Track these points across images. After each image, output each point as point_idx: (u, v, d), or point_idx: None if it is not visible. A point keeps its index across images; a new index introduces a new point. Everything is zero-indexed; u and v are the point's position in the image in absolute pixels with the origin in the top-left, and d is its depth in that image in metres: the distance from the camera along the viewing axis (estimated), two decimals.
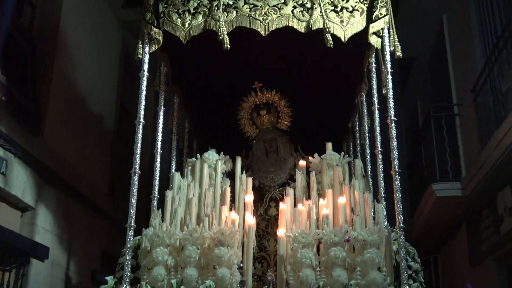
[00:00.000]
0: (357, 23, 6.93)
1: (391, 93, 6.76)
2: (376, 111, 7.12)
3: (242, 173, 7.52)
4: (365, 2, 6.99)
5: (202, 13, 7.03)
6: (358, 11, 6.96)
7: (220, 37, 6.78)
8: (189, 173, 7.67)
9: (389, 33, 6.89)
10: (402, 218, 6.24)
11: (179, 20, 7.05)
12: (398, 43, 6.87)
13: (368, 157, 8.10)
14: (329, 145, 7.58)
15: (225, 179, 7.72)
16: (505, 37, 8.57)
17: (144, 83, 6.98)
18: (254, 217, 7.00)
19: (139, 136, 6.79)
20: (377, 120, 7.07)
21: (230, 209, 6.98)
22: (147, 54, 7.09)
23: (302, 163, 7.93)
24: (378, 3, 6.90)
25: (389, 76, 6.84)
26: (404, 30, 8.21)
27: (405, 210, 6.44)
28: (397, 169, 6.42)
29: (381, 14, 6.87)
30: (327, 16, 6.86)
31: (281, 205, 6.99)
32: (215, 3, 6.96)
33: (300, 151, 8.75)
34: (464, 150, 10.73)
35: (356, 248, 6.16)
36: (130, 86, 12.15)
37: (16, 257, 8.27)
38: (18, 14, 9.11)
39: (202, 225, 6.45)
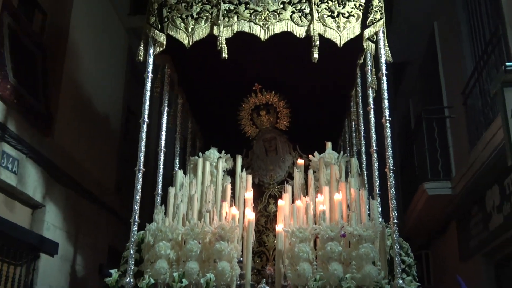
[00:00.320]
0: (353, 28, 6.84)
1: (385, 94, 6.66)
2: (372, 112, 6.99)
3: (242, 171, 7.52)
4: (361, 8, 6.90)
5: (205, 18, 6.95)
6: (354, 16, 6.87)
7: (219, 47, 6.70)
8: (191, 170, 7.62)
9: (383, 37, 6.82)
10: (396, 214, 6.14)
11: (182, 24, 6.97)
12: (388, 48, 6.80)
13: (364, 156, 7.98)
14: (329, 145, 7.60)
15: (226, 177, 7.67)
16: (493, 43, 8.53)
17: (149, 84, 6.90)
18: (254, 213, 6.98)
19: (143, 135, 6.70)
20: (372, 120, 6.94)
21: (231, 205, 6.93)
22: (151, 56, 7.00)
23: (300, 161, 7.88)
24: (372, 9, 6.81)
25: (384, 78, 6.73)
26: (397, 36, 8.16)
27: (398, 208, 6.31)
28: (391, 167, 6.32)
29: (375, 18, 6.78)
30: (324, 22, 6.80)
31: (280, 202, 6.96)
32: (217, 8, 6.89)
33: (298, 150, 8.68)
34: (454, 150, 10.70)
35: (352, 243, 6.09)
36: (136, 89, 12.01)
37: (27, 252, 8.22)
38: (30, 21, 9.07)
39: (203, 220, 6.42)
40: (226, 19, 6.86)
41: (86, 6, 10.34)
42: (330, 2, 6.89)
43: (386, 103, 6.60)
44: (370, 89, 7.25)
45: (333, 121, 9.26)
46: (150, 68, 6.95)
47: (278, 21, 6.84)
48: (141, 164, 6.55)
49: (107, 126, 11.35)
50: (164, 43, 6.94)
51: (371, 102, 7.10)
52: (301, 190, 7.30)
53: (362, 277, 5.78)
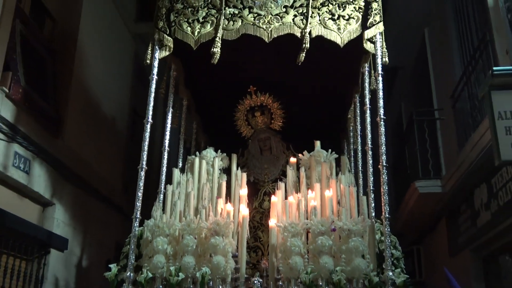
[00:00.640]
0: (353, 30, 6.80)
1: (381, 94, 6.64)
2: (368, 111, 6.96)
3: (237, 169, 7.48)
4: (360, 11, 6.87)
5: (210, 22, 6.92)
6: (354, 18, 6.84)
7: (212, 49, 6.65)
8: (189, 169, 7.56)
9: (381, 39, 6.76)
10: (388, 209, 6.10)
11: (189, 28, 6.95)
12: (386, 50, 6.73)
13: (360, 154, 7.88)
14: (318, 143, 7.51)
15: (222, 175, 7.61)
16: (481, 49, 8.43)
17: (153, 86, 6.88)
18: (249, 209, 6.94)
19: (147, 135, 6.72)
20: (368, 119, 6.91)
21: (226, 202, 6.87)
22: (157, 59, 6.96)
23: (293, 160, 7.78)
24: (372, 11, 6.78)
25: (380, 78, 6.69)
26: (390, 42, 8.10)
27: (390, 204, 6.28)
28: (384, 164, 6.29)
29: (375, 20, 6.76)
30: (325, 24, 6.76)
31: (273, 198, 6.93)
32: (222, 12, 6.85)
33: (292, 149, 8.61)
34: (444, 151, 10.58)
35: (342, 237, 6.06)
36: (142, 92, 11.94)
37: (38, 248, 8.17)
38: (40, 28, 9.02)
39: (199, 216, 6.39)
40: (231, 22, 6.84)
41: (94, 13, 10.28)
42: (330, 5, 6.87)
43: (381, 102, 6.57)
44: (367, 89, 7.19)
45: (326, 121, 9.15)
46: (155, 70, 6.93)
47: (280, 24, 6.81)
48: (144, 162, 6.53)
49: (114, 128, 11.28)
50: (172, 46, 6.92)
51: (367, 102, 7.04)
52: (294, 187, 7.22)
53: (352, 269, 5.75)
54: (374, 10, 6.76)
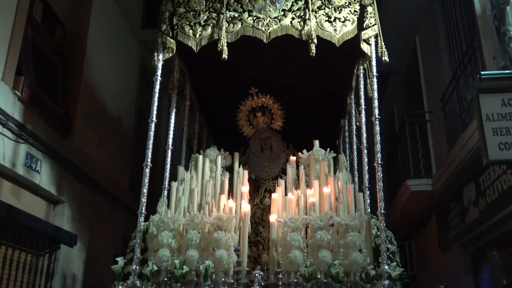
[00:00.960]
0: (349, 32, 6.70)
1: (376, 94, 6.54)
2: (363, 111, 6.90)
3: (239, 167, 7.38)
4: (356, 13, 6.78)
5: (211, 25, 6.85)
6: (350, 21, 6.75)
7: (220, 48, 6.53)
8: (193, 167, 7.49)
9: (376, 41, 6.66)
10: (383, 205, 6.00)
11: (191, 31, 6.87)
12: (385, 49, 6.63)
13: (355, 152, 7.84)
14: (316, 142, 7.48)
15: (225, 172, 7.57)
16: (469, 54, 8.40)
17: (157, 86, 6.81)
18: (250, 205, 6.85)
19: (151, 133, 6.64)
20: (363, 119, 6.85)
21: (228, 198, 6.79)
22: (161, 61, 6.89)
23: (293, 158, 7.70)
24: (367, 14, 6.69)
25: (375, 79, 6.61)
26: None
27: (384, 201, 6.13)
28: (379, 161, 6.17)
29: (370, 23, 6.66)
30: (322, 26, 6.65)
31: (273, 195, 6.86)
32: (222, 16, 6.76)
33: (291, 148, 8.55)
34: (434, 151, 10.55)
35: (340, 232, 5.99)
36: (147, 95, 11.88)
37: (49, 243, 8.08)
38: (51, 34, 8.95)
39: (202, 212, 6.32)
40: (231, 25, 6.75)
41: (102, 20, 10.21)
42: (327, 8, 6.77)
43: (376, 103, 6.48)
44: (362, 90, 7.13)
45: (324, 121, 9.06)
46: (159, 72, 6.87)
47: (279, 27, 6.72)
48: (149, 160, 6.47)
49: (121, 129, 11.20)
50: (174, 48, 6.87)
51: (363, 103, 6.99)
52: (293, 184, 7.16)
53: (349, 263, 5.69)
54: (369, 13, 6.68)
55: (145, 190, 6.27)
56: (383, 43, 6.64)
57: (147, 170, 6.39)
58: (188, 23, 6.88)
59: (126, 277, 5.88)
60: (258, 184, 8.22)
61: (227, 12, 6.77)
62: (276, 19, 6.74)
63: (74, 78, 9.19)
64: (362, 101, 7.00)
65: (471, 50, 8.25)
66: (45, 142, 7.88)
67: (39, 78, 8.04)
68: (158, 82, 6.80)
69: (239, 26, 6.74)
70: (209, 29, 6.80)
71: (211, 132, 9.55)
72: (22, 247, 7.37)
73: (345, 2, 6.79)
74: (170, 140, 7.27)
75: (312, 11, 6.69)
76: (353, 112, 7.96)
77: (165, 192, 6.99)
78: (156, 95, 6.75)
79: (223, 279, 5.78)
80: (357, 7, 6.77)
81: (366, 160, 6.64)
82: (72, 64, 9.23)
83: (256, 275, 5.82)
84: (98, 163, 9.77)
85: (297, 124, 8.73)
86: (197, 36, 6.80)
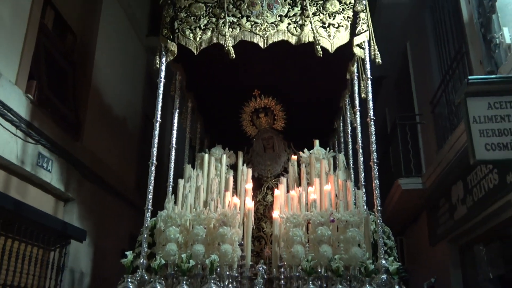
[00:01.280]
0: (342, 37, 6.58)
1: (370, 96, 6.43)
2: (358, 113, 6.79)
3: (243, 165, 7.34)
4: (349, 19, 6.65)
5: (211, 29, 6.71)
6: (343, 27, 6.61)
7: (226, 48, 6.41)
8: (199, 165, 7.43)
9: (369, 45, 6.52)
10: (380, 202, 5.89)
11: (191, 35, 6.73)
12: (378, 52, 6.50)
13: (351, 152, 7.72)
14: (316, 142, 7.45)
15: (229, 170, 7.49)
16: (457, 60, 8.43)
17: (161, 88, 6.71)
18: (253, 202, 6.85)
19: (156, 133, 6.53)
20: (358, 120, 6.73)
21: (233, 195, 6.74)
22: (164, 64, 6.77)
23: (294, 157, 7.65)
24: (360, 20, 6.56)
25: (369, 82, 6.49)
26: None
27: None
28: (375, 160, 6.04)
29: (363, 29, 6.52)
30: (317, 31, 6.50)
31: (276, 192, 6.80)
32: (222, 20, 6.66)
33: (293, 148, 8.42)
34: (424, 151, 10.53)
35: (340, 227, 5.89)
36: (153, 99, 11.85)
37: (60, 239, 8.03)
38: (62, 41, 8.93)
39: (208, 208, 6.20)
40: (230, 29, 6.61)
41: (110, 28, 10.19)
42: (321, 14, 6.64)
43: (370, 104, 6.37)
44: (357, 92, 7.02)
45: (324, 122, 9.00)
46: (162, 74, 6.74)
47: (276, 32, 6.59)
48: (154, 158, 6.36)
49: (128, 131, 11.16)
50: (176, 51, 6.72)
51: (357, 104, 6.88)
52: (295, 182, 7.11)
53: (349, 257, 5.60)
54: (362, 20, 6.56)
55: (151, 187, 6.16)
56: (375, 46, 6.53)
57: (153, 168, 6.27)
58: (188, 27, 6.76)
59: (134, 270, 5.76)
60: (260, 182, 8.12)
61: (226, 17, 6.66)
62: (273, 24, 6.62)
63: (84, 83, 9.18)
64: (357, 102, 6.90)
65: (459, 56, 8.28)
66: (56, 143, 7.85)
67: (50, 82, 8.05)
68: (161, 84, 6.70)
69: (238, 30, 6.62)
70: (209, 33, 6.68)
71: (211, 132, 9.44)
72: (34, 242, 7.34)
73: (339, 9, 6.68)
74: (174, 140, 7.16)
75: (308, 17, 6.57)
76: (348, 113, 7.89)
77: (170, 189, 6.91)
78: (160, 96, 6.66)
79: (227, 273, 5.68)
80: (350, 13, 6.66)
81: (361, 159, 6.54)
82: (82, 70, 9.23)
83: (259, 268, 5.71)
84: (106, 163, 9.73)
85: (298, 125, 8.65)
86: (197, 39, 6.67)
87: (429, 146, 10.15)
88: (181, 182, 6.75)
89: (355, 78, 7.16)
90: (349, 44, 6.54)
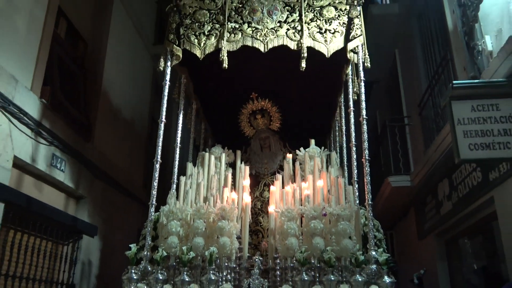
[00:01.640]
0: (338, 42, 6.50)
1: (363, 97, 6.37)
2: (352, 113, 6.71)
3: (241, 163, 7.26)
4: (344, 25, 6.57)
5: (214, 34, 6.65)
6: (339, 32, 6.55)
7: (221, 58, 6.35)
8: (200, 163, 7.35)
9: (362, 49, 6.46)
10: (371, 196, 5.83)
11: (196, 40, 6.68)
12: (368, 56, 6.43)
13: (345, 150, 7.61)
14: (312, 141, 7.36)
15: (228, 168, 7.39)
16: (442, 66, 8.41)
17: (166, 90, 6.62)
18: (251, 197, 6.78)
19: (161, 133, 6.47)
20: (352, 120, 6.65)
21: (231, 191, 6.64)
22: (169, 67, 6.72)
23: (289, 155, 7.53)
24: (354, 26, 6.47)
25: (362, 84, 6.44)
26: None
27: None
28: (367, 157, 5.97)
29: (356, 34, 6.44)
30: (314, 37, 6.47)
31: (272, 188, 6.74)
32: (225, 27, 6.60)
33: (288, 147, 8.36)
34: (412, 151, 10.47)
35: (332, 221, 5.81)
36: (159, 103, 11.84)
37: (73, 234, 8.02)
38: (74, 49, 8.92)
39: (208, 203, 6.12)
40: (232, 35, 6.57)
41: (119, 37, 10.18)
42: (318, 20, 6.58)
43: (363, 104, 6.31)
44: (351, 93, 6.95)
45: (317, 122, 8.92)
46: (167, 77, 6.70)
47: (275, 37, 6.53)
48: (159, 156, 6.31)
49: (136, 133, 11.11)
50: (181, 55, 6.69)
51: (351, 105, 6.81)
52: (290, 178, 7.02)
53: (341, 249, 5.52)
54: (356, 25, 6.47)
55: (155, 184, 6.10)
56: (366, 51, 6.46)
57: (157, 166, 6.22)
58: (193, 33, 6.70)
59: (138, 262, 5.70)
60: (258, 179, 8.07)
61: (228, 23, 6.62)
62: (273, 30, 6.56)
63: (94, 88, 9.18)
64: (351, 103, 6.82)
65: (444, 62, 8.28)
66: (68, 145, 7.83)
67: (63, 88, 8.04)
68: (166, 86, 6.63)
69: (240, 36, 6.56)
70: (213, 39, 6.61)
71: (214, 132, 9.39)
72: (48, 237, 7.34)
73: (335, 15, 6.60)
74: (178, 139, 7.08)
75: (305, 22, 6.52)
76: (343, 113, 7.81)
77: (174, 186, 6.86)
78: (165, 98, 6.56)
79: (226, 264, 5.63)
80: (345, 19, 6.59)
81: (354, 156, 6.46)
82: (92, 75, 9.23)
83: (256, 260, 5.64)
84: (116, 163, 9.71)
85: (293, 125, 8.60)
86: (202, 44, 6.62)
87: (417, 146, 10.10)
88: (182, 179, 6.71)
89: (349, 80, 7.09)
90: (344, 49, 6.48)
